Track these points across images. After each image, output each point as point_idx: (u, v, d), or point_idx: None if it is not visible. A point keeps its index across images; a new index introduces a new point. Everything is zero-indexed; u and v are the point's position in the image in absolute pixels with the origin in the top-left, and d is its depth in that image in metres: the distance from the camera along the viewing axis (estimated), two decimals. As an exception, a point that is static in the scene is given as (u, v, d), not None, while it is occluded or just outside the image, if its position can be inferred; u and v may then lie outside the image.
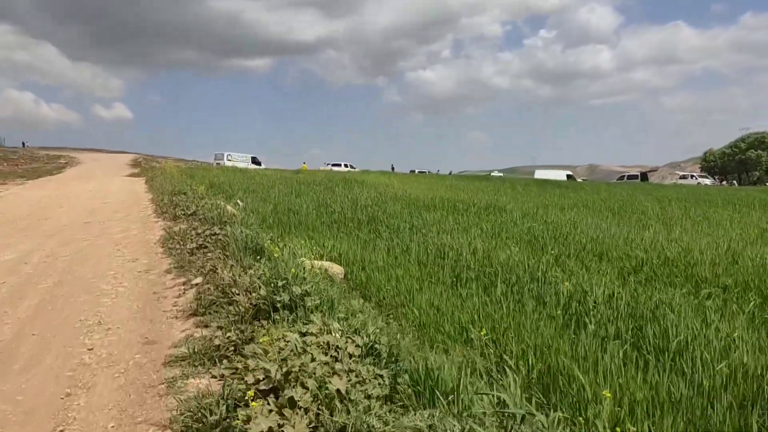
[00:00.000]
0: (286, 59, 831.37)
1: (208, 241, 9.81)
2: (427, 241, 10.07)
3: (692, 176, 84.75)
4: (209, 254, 8.85)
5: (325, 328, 4.69)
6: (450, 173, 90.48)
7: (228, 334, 5.18)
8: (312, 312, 5.21)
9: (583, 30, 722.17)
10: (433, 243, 9.94)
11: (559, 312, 6.75)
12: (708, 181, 77.06)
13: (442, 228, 11.69)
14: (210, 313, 6.07)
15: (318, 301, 5.43)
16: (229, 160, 61.41)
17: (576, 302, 6.99)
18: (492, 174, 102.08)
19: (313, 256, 8.74)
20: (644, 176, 77.94)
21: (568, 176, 74.58)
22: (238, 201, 16.34)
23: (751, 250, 10.72)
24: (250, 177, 27.13)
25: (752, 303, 7.27)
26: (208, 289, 6.93)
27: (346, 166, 72.54)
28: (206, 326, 5.70)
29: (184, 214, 13.67)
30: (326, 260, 8.36)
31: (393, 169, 72.37)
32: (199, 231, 10.68)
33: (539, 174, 74.54)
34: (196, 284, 7.52)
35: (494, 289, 7.54)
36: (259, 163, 63.09)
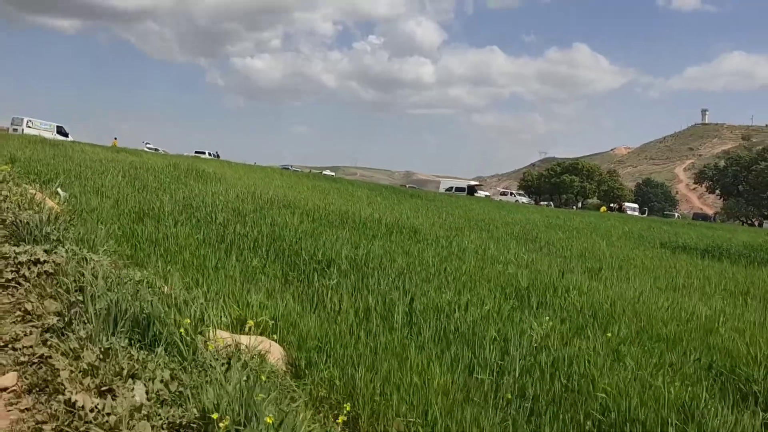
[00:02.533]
0: (99, 24, 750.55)
1: (24, 275, 5.66)
2: (412, 295, 6.62)
3: (511, 193, 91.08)
4: (28, 308, 4.82)
5: None
6: (290, 168, 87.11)
7: None
8: None
9: (409, 41, 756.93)
10: (422, 300, 6.54)
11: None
12: (525, 200, 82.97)
13: (398, 265, 8.34)
14: None
15: None
16: (30, 128, 51.98)
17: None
18: (324, 173, 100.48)
19: (228, 319, 5.12)
20: (471, 190, 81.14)
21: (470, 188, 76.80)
22: (59, 190, 11.61)
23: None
24: (66, 153, 21.35)
25: None
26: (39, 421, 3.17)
27: (210, 155, 65.97)
28: None
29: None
30: (252, 332, 4.85)
31: (218, 156, 66.38)
32: (5, 250, 6.33)
33: (445, 185, 76.44)
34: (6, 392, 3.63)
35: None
36: (66, 135, 54.28)
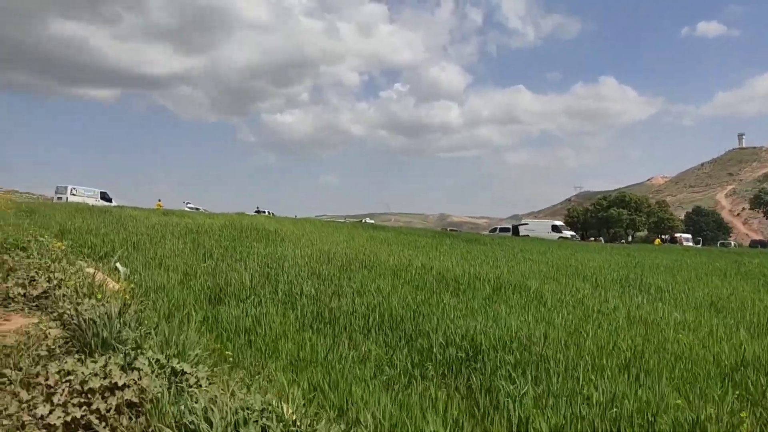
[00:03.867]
0: (135, 92, 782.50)
1: (98, 410, 3.96)
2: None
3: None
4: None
5: None
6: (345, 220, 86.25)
7: None
8: None
9: (434, 86, 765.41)
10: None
11: None
12: (569, 234, 79.76)
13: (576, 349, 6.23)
14: None
15: None
16: (74, 195, 52.10)
17: None
18: (364, 221, 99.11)
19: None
20: (515, 230, 78.43)
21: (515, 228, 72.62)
22: (118, 266, 10.07)
23: None
24: (116, 220, 20.15)
25: None
26: None
27: (268, 213, 65.56)
28: None
29: (23, 298, 7.36)
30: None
31: (265, 212, 64.74)
32: (68, 367, 4.66)
33: (526, 227, 69.71)
34: None
35: None
36: (110, 200, 54.27)
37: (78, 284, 7.76)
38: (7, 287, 8.09)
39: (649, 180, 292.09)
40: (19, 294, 7.65)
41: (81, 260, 11.02)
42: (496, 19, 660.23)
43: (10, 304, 7.57)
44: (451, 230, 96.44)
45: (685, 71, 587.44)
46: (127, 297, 7.51)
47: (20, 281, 8.09)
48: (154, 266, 10.55)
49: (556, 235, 62.80)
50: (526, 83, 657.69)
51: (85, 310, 6.22)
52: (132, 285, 9.14)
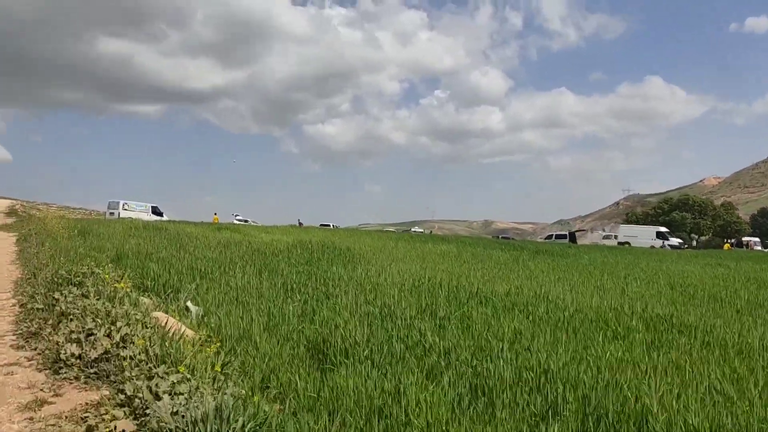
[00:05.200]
0: (180, 107, 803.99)
1: None
2: None
3: (615, 237, 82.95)
4: None
5: None
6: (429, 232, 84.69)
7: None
8: None
9: (475, 92, 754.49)
10: None
11: None
12: (676, 242, 74.95)
13: None
14: None
15: None
16: (126, 210, 51.87)
17: None
18: (413, 230, 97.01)
19: None
20: (573, 237, 74.84)
21: (571, 235, 66.99)
22: (189, 305, 8.33)
23: None
24: (175, 240, 18.69)
25: None
26: None
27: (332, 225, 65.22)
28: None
29: (78, 361, 5.66)
30: None
31: (300, 224, 62.31)
32: None
33: (627, 233, 62.35)
34: None
35: None
36: (161, 214, 53.90)
37: (147, 339, 6.01)
38: (57, 343, 6.39)
39: (701, 181, 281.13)
40: (73, 355, 5.94)
41: (145, 296, 9.36)
42: (537, 22, 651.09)
43: (62, 369, 5.85)
44: (502, 237, 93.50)
45: (734, 68, 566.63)
46: (212, 354, 5.69)
47: (74, 335, 6.40)
48: (229, 302, 8.77)
49: (661, 243, 55.81)
50: (568, 85, 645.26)
51: (164, 393, 4.43)
52: (209, 332, 7.36)
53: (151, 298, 8.90)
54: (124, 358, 5.60)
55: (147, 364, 5.49)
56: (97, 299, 8.03)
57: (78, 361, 5.77)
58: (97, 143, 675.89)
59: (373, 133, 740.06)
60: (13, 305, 9.10)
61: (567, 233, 75.99)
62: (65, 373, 5.68)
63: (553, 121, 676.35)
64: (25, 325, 7.56)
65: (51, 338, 6.68)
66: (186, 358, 5.51)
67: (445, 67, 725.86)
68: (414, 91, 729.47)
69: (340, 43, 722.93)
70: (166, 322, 7.10)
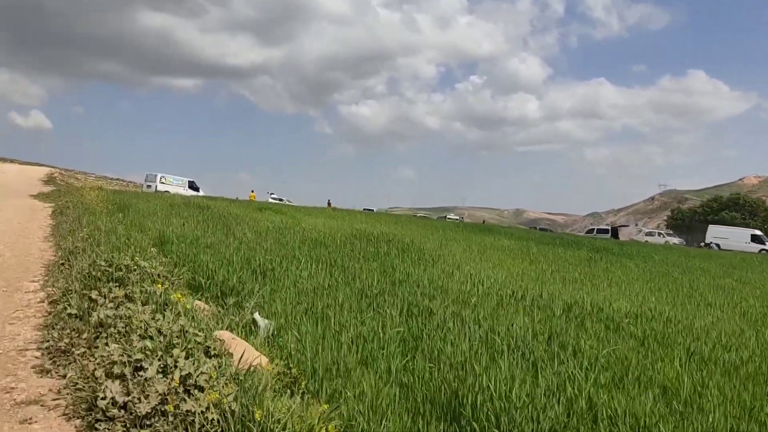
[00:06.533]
0: (218, 82, 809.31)
1: None
2: None
3: (659, 234, 78.90)
4: None
5: None
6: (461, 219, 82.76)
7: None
8: None
9: (512, 78, 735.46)
10: None
11: None
12: (676, 240, 71.31)
13: None
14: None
15: None
16: (162, 183, 50.92)
17: None
18: (448, 217, 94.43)
19: None
20: (615, 232, 71.73)
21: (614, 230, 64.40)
22: (257, 317, 6.57)
23: None
24: (217, 218, 17.08)
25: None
26: None
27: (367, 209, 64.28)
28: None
29: (119, 409, 3.97)
30: None
31: (329, 205, 59.81)
32: None
33: (716, 234, 57.96)
34: None
35: None
36: (197, 189, 52.88)
37: (218, 383, 4.27)
38: (94, 376, 4.68)
39: (741, 180, 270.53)
40: (114, 402, 4.20)
41: (198, 297, 7.66)
42: (579, 10, 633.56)
43: (99, 423, 4.13)
44: (541, 229, 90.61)
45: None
46: (316, 420, 3.93)
47: (117, 366, 4.66)
48: (301, 313, 7.00)
49: (757, 247, 51.05)
50: (608, 76, 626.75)
51: None
52: (286, 358, 5.61)
53: (208, 303, 7.22)
54: (190, 417, 3.87)
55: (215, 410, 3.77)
56: (144, 305, 6.34)
57: (122, 412, 4.06)
58: (136, 115, 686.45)
59: (407, 116, 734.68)
60: (41, 301, 7.49)
61: (609, 228, 73.06)
62: (103, 429, 3.97)
63: (591, 111, 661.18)
64: (54, 335, 5.91)
65: (85, 364, 5.01)
66: (279, 423, 3.75)
67: (482, 53, 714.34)
68: (450, 76, 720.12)
69: (379, 24, 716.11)
70: (235, 347, 5.37)
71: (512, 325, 6.84)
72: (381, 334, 6.10)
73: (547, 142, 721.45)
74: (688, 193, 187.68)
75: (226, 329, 5.74)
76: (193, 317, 6.01)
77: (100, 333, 5.67)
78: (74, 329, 5.93)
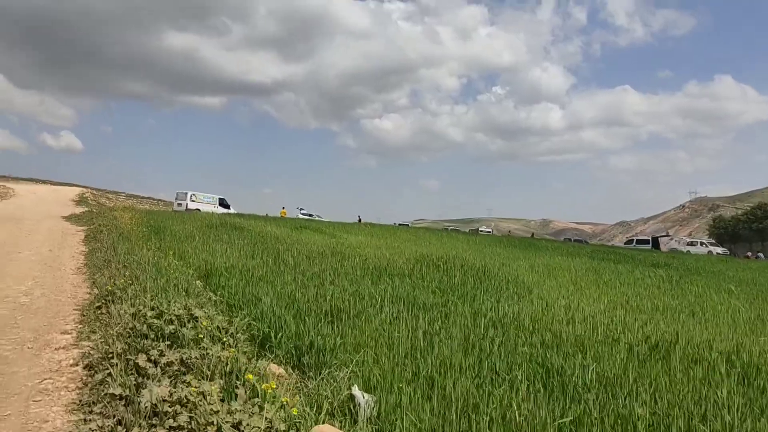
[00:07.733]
0: (242, 99, 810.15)
1: None
2: None
3: (702, 243, 75.26)
4: None
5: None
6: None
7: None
8: None
9: (535, 88, 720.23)
10: None
11: None
12: (719, 250, 67.92)
13: None
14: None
15: None
16: (193, 201, 50.02)
17: None
18: (481, 230, 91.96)
19: None
20: (656, 242, 68.96)
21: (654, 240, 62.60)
22: (355, 391, 4.96)
23: None
24: (258, 241, 15.58)
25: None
26: None
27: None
28: None
29: None
30: None
31: (360, 221, 57.46)
32: None
33: None
34: None
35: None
36: (228, 206, 51.88)
37: None
38: None
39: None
40: None
41: (269, 358, 6.08)
42: (602, 17, 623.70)
43: None
44: (575, 240, 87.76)
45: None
46: None
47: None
48: (403, 381, 5.36)
49: None
50: (633, 83, 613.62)
51: None
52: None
53: (282, 366, 5.64)
54: None
55: None
56: (208, 379, 4.78)
57: None
58: (163, 134, 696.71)
59: (429, 128, 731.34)
60: (75, 363, 5.98)
61: (650, 239, 70.35)
62: None
63: (616, 119, 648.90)
64: (93, 429, 4.36)
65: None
66: None
67: (504, 63, 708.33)
68: (472, 87, 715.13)
69: (400, 38, 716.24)
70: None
71: (712, 403, 5.05)
72: (532, 420, 4.42)
73: (571, 151, 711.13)
74: (719, 200, 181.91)
75: (330, 426, 4.10)
76: (272, 399, 4.42)
77: (154, 426, 4.13)
78: (117, 418, 4.38)
